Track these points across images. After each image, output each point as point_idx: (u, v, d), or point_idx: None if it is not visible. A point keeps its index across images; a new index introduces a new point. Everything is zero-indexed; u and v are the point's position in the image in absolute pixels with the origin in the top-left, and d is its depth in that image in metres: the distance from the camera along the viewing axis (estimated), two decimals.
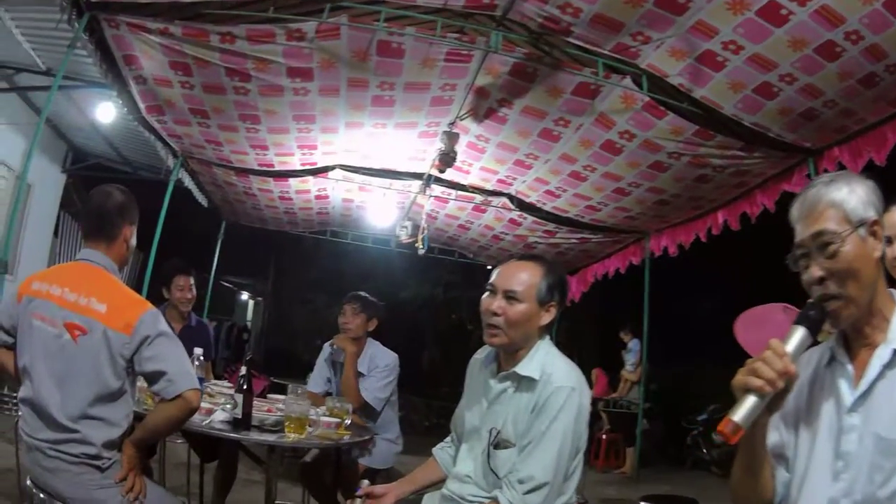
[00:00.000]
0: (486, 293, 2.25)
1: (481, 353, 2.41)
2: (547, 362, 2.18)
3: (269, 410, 3.26)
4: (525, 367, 2.17)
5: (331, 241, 9.42)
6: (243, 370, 3.03)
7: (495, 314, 2.19)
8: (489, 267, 10.84)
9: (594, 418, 6.43)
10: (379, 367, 4.11)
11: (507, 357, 2.25)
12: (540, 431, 2.07)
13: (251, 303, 24.42)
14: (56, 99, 6.60)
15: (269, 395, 4.23)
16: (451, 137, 5.26)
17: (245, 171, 6.59)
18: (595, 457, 9.12)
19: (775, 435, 1.52)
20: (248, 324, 21.85)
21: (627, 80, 4.21)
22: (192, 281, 4.51)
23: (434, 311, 19.50)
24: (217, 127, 5.42)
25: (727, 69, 3.89)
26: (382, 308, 4.30)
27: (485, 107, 5.02)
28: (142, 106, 5.16)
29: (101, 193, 2.51)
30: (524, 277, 2.20)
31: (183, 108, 5.11)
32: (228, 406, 3.03)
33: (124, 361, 2.28)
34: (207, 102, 4.95)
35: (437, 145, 5.49)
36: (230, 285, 19.58)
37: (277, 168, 6.44)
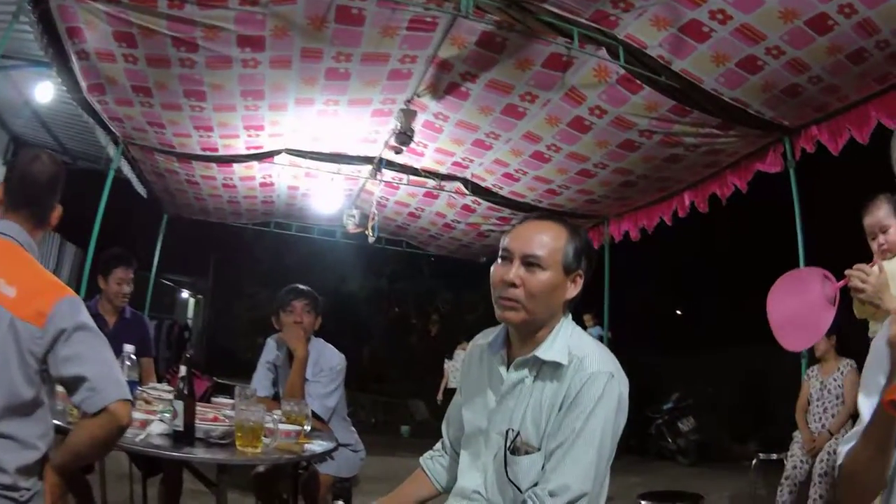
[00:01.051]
0: (499, 260, 1.84)
1: (485, 337, 1.98)
2: (574, 344, 1.78)
3: (214, 419, 2.76)
4: (547, 351, 1.78)
5: (274, 234, 8.98)
6: (183, 370, 2.54)
7: (513, 285, 1.77)
8: (432, 258, 10.49)
9: None
10: (324, 370, 3.62)
11: (523, 339, 1.84)
12: (573, 430, 1.69)
13: (191, 300, 23.73)
14: None
15: (214, 399, 3.79)
16: (408, 115, 4.94)
17: (188, 157, 6.14)
18: None
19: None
20: (189, 322, 21.14)
21: (603, 52, 3.93)
22: (132, 274, 4.09)
23: (378, 303, 19.17)
24: (160, 106, 4.99)
25: (712, 40, 3.66)
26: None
27: (446, 81, 4.68)
28: (83, 85, 4.71)
29: (34, 160, 2.06)
30: (546, 240, 1.80)
31: (125, 86, 4.67)
32: (167, 415, 2.55)
33: (36, 362, 1.83)
34: (151, 77, 4.53)
35: (392, 125, 5.17)
36: (170, 283, 18.87)
37: (221, 153, 5.99)
